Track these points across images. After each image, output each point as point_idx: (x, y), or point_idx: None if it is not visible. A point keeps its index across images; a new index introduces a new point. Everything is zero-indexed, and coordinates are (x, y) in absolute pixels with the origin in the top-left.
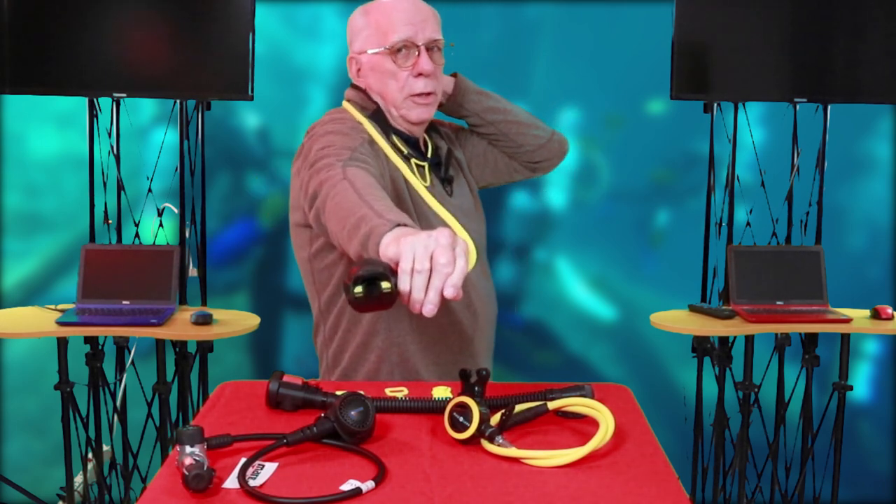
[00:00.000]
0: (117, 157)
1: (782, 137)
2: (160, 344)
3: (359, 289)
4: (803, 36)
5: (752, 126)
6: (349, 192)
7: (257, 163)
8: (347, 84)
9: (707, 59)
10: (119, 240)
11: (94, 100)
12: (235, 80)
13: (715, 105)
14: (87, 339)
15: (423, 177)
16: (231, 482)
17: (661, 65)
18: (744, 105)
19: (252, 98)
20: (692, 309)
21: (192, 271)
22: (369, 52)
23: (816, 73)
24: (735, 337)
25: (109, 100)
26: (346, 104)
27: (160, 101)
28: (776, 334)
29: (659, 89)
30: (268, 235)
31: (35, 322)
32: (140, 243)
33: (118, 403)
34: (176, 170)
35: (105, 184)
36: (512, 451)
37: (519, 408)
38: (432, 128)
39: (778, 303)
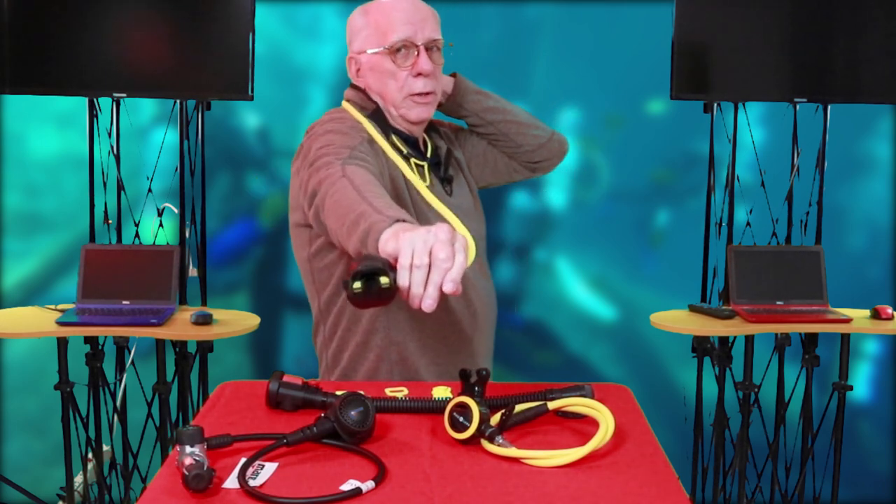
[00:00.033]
0: (117, 157)
1: (782, 137)
2: (160, 344)
3: (357, 284)
4: (803, 36)
5: (752, 126)
6: (348, 190)
7: (257, 163)
8: (347, 84)
9: (707, 59)
10: (119, 240)
11: (94, 100)
12: (235, 80)
13: (715, 105)
14: (87, 339)
15: (422, 176)
16: (231, 482)
17: (661, 65)
18: (744, 105)
19: (252, 98)
20: (692, 309)
21: (192, 271)
22: (368, 51)
23: (816, 73)
24: (735, 337)
25: (109, 100)
26: (345, 104)
27: (160, 101)
28: (776, 334)
29: (659, 89)
30: (268, 235)
31: (35, 322)
32: (140, 243)
33: (118, 403)
34: (176, 170)
35: (105, 184)
36: (512, 451)
37: (519, 408)
38: (432, 128)
39: (778, 303)
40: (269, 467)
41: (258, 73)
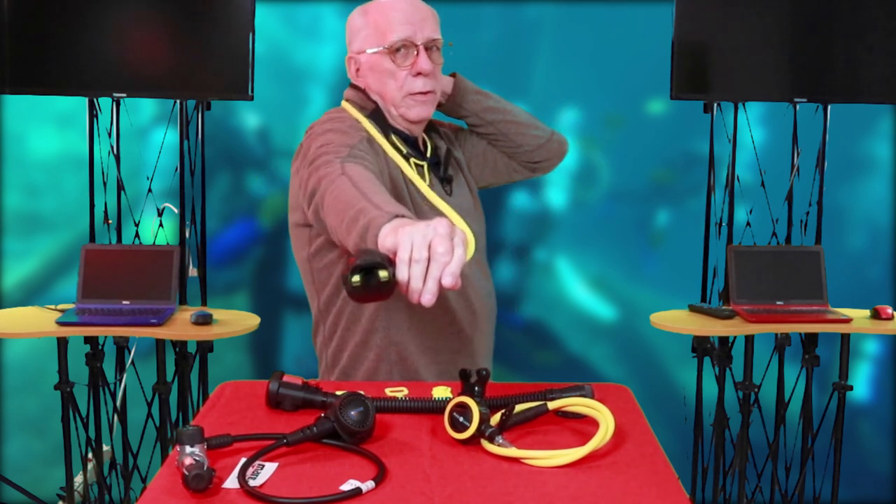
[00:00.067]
0: (117, 157)
1: (782, 137)
2: (160, 344)
3: (356, 278)
4: (803, 36)
5: (752, 126)
6: (347, 187)
7: (257, 163)
8: (347, 84)
9: (707, 59)
10: (119, 240)
11: (94, 100)
12: (235, 80)
13: (715, 105)
14: (87, 339)
15: (421, 176)
16: (231, 482)
17: (661, 65)
18: (744, 105)
19: (252, 98)
20: (692, 309)
21: (192, 271)
22: (368, 51)
23: (816, 73)
24: (735, 337)
25: (109, 100)
26: (344, 104)
27: (160, 101)
28: (776, 334)
29: (659, 89)
30: (268, 235)
31: (35, 322)
32: (140, 243)
33: (118, 403)
34: (176, 170)
35: (105, 184)
36: (512, 451)
37: (519, 408)
38: (432, 128)
39: (778, 303)
40: (269, 467)
41: (258, 73)
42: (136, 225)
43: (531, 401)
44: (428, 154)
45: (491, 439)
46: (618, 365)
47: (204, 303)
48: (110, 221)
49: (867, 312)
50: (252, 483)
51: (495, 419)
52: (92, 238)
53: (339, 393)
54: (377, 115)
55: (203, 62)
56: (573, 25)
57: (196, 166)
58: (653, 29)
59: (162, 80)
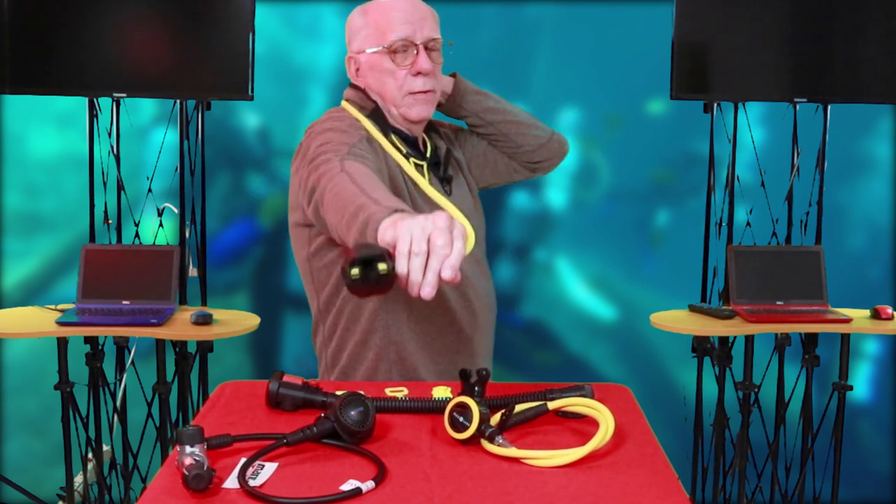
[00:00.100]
0: (117, 157)
1: (782, 137)
2: (160, 344)
3: (355, 271)
4: (803, 36)
5: (752, 126)
6: (347, 184)
7: (257, 163)
8: (347, 84)
9: (707, 59)
10: (119, 240)
11: (94, 100)
12: (235, 80)
13: (715, 105)
14: (87, 339)
15: (421, 175)
16: (231, 482)
17: (661, 65)
18: (744, 105)
19: (252, 98)
20: (692, 309)
21: (192, 271)
22: (368, 51)
23: (816, 73)
24: (735, 337)
25: (109, 100)
26: (344, 104)
27: (160, 101)
28: (776, 334)
29: (659, 89)
30: (268, 235)
31: (35, 322)
32: (140, 243)
33: (118, 403)
34: (176, 170)
35: (105, 184)
36: (512, 451)
37: (519, 408)
38: (432, 128)
39: (778, 303)
40: (269, 467)
41: (258, 73)
42: (136, 225)
43: (531, 401)
44: (428, 154)
45: (491, 439)
46: (618, 365)
47: (204, 303)
48: (110, 221)
49: (867, 312)
50: (252, 483)
51: (495, 419)
52: (92, 238)
53: (339, 393)
54: (377, 115)
55: (203, 62)
56: (573, 25)
57: (196, 166)
58: (653, 29)
59: (162, 80)
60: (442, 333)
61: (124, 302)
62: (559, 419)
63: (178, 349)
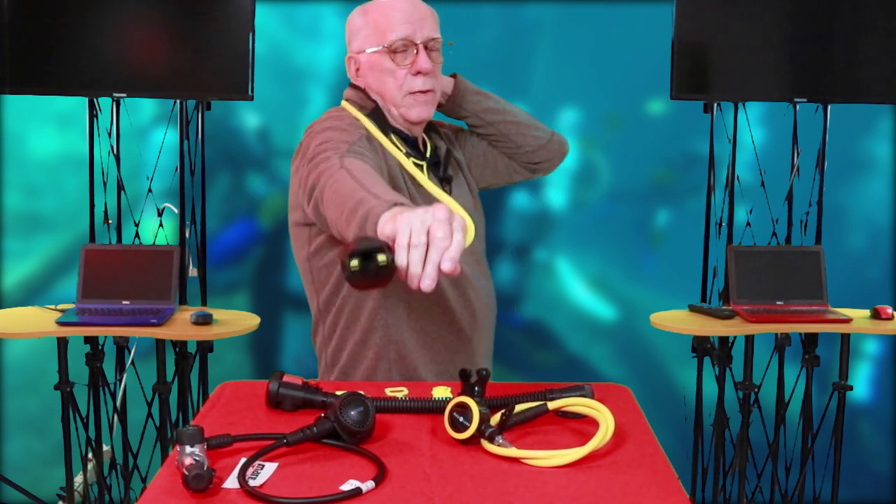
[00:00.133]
0: (117, 157)
1: (782, 137)
2: (160, 344)
3: (355, 262)
4: (803, 36)
5: (752, 126)
6: (347, 179)
7: (257, 163)
8: (347, 84)
9: (707, 59)
10: (119, 240)
11: (94, 100)
12: (235, 80)
13: (715, 105)
14: (87, 339)
15: (421, 172)
16: (231, 482)
17: (661, 65)
18: (744, 105)
19: (252, 98)
20: (692, 309)
21: (192, 271)
22: (368, 51)
23: (816, 73)
24: (735, 337)
25: (109, 100)
26: (344, 103)
27: (160, 101)
28: (776, 334)
29: (659, 89)
30: (268, 235)
31: (35, 322)
32: (140, 243)
33: (118, 403)
34: (176, 170)
35: (105, 184)
36: (512, 451)
37: (519, 408)
38: (432, 128)
39: (778, 303)
40: (269, 467)
41: (258, 73)
42: (136, 225)
43: (531, 401)
44: (427, 154)
45: (491, 439)
46: (618, 365)
47: (204, 303)
48: (110, 221)
49: (867, 312)
50: (252, 483)
51: (495, 419)
52: (92, 238)
53: (339, 393)
54: (377, 115)
55: (203, 62)
56: (573, 25)
57: (196, 166)
58: (653, 29)
59: (162, 80)
60: (442, 333)
61: (124, 302)
62: (559, 419)
63: (178, 349)
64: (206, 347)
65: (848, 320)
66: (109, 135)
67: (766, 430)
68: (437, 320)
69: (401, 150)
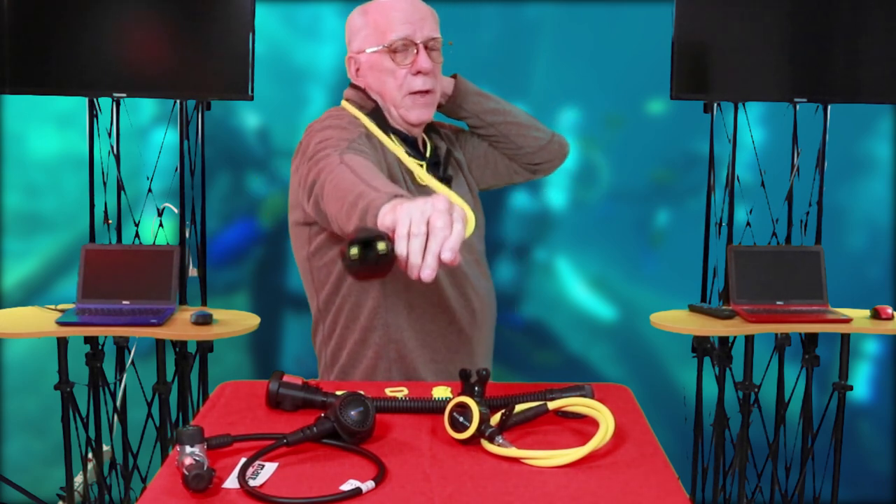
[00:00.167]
0: (117, 157)
1: (782, 137)
2: (160, 344)
3: (354, 250)
4: (803, 36)
5: (752, 126)
6: (346, 174)
7: (257, 163)
8: (347, 84)
9: (707, 59)
10: (119, 240)
11: (94, 100)
12: (235, 80)
13: (715, 105)
14: (87, 339)
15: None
16: (231, 482)
17: (661, 65)
18: (744, 105)
19: (252, 98)
20: (692, 309)
21: (192, 271)
22: (368, 51)
23: (816, 73)
24: (735, 337)
25: (109, 100)
26: (344, 103)
27: (160, 101)
28: (776, 334)
29: (659, 89)
30: (268, 235)
31: (35, 322)
32: (140, 243)
33: (118, 403)
34: (176, 170)
35: (105, 184)
36: (512, 451)
37: (519, 408)
38: (432, 129)
39: (778, 303)
40: (269, 467)
41: (258, 73)
42: (136, 225)
43: (531, 401)
44: (427, 154)
45: (491, 439)
46: (618, 365)
47: (204, 303)
48: (110, 221)
49: (867, 312)
50: (252, 483)
51: (495, 419)
52: (92, 238)
53: (339, 393)
54: (377, 114)
55: (203, 62)
56: (573, 25)
57: (196, 166)
58: (653, 29)
59: (162, 80)
60: (441, 332)
61: (124, 302)
62: (559, 419)
63: (178, 349)
64: (206, 347)
65: (848, 320)
66: (109, 135)
67: (766, 430)
68: (437, 320)
69: (400, 148)
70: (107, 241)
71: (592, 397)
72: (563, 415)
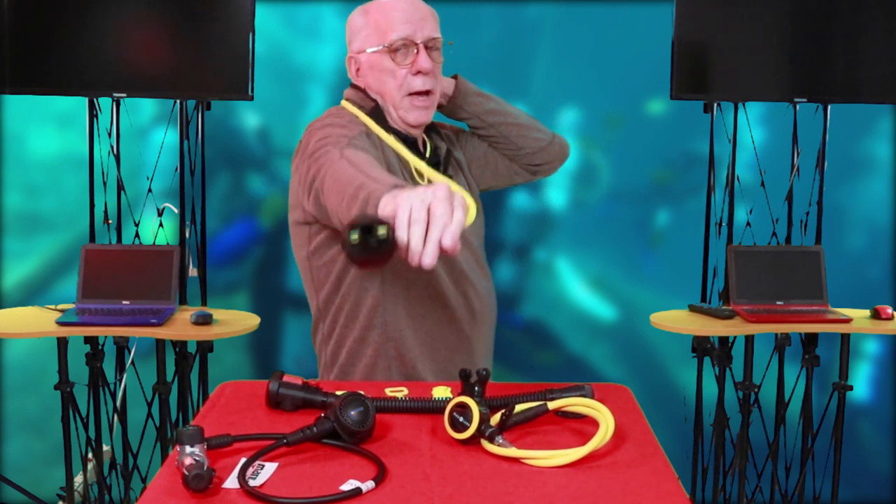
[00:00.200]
0: (117, 157)
1: (782, 137)
2: (160, 344)
3: (355, 235)
4: (803, 36)
5: (752, 126)
6: (347, 168)
7: (257, 163)
8: (347, 84)
9: (707, 59)
10: (119, 240)
11: (94, 100)
12: (235, 80)
13: (715, 105)
14: (87, 339)
15: (420, 176)
16: (231, 482)
17: (661, 65)
18: (744, 105)
19: (252, 98)
20: (692, 309)
21: (192, 271)
22: (368, 51)
23: (816, 73)
24: (735, 337)
25: (109, 100)
26: (344, 103)
27: (160, 101)
28: (776, 334)
29: (659, 89)
30: (268, 235)
31: (35, 322)
32: (140, 243)
33: (118, 403)
34: (176, 170)
35: (105, 184)
36: (512, 451)
37: (519, 408)
38: (432, 129)
39: (778, 303)
40: (269, 467)
41: (258, 73)
42: (136, 225)
43: (531, 401)
44: (427, 154)
45: (491, 439)
46: (618, 365)
47: (204, 303)
48: (110, 221)
49: (867, 312)
50: (252, 483)
51: (495, 419)
52: (92, 238)
53: (339, 393)
54: (377, 114)
55: (203, 62)
56: (573, 25)
57: (196, 166)
58: (653, 29)
59: (162, 80)
60: (441, 331)
61: (124, 302)
62: (559, 419)
63: (178, 349)
64: (206, 347)
65: (848, 320)
66: (109, 135)
67: (766, 430)
68: (437, 319)
69: (399, 145)
70: (107, 241)
71: (592, 397)
72: (563, 415)
